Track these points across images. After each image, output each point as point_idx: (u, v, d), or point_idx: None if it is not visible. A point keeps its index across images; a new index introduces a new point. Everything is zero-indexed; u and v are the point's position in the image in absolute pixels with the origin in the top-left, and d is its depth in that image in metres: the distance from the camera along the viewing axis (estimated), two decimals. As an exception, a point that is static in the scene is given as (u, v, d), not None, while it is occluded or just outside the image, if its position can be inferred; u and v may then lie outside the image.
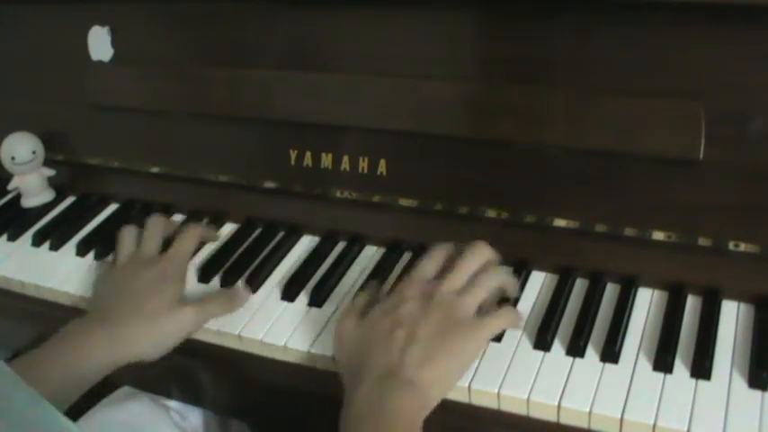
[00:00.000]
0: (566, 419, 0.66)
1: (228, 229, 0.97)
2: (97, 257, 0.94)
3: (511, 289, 0.75)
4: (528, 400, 0.67)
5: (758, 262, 0.72)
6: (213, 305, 0.80)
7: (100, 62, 1.01)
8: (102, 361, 0.74)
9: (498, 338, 0.73)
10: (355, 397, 0.64)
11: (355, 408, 0.64)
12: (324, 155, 0.89)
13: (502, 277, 0.73)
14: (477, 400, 0.69)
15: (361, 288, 0.81)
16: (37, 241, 0.98)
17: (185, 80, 0.96)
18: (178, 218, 1.00)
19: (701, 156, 0.72)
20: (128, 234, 0.87)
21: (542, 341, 0.72)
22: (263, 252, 0.90)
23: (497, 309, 0.72)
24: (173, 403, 0.90)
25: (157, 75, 0.98)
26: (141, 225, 0.90)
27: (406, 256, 0.87)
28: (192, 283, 0.87)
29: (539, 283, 0.80)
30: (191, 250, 0.86)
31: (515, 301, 0.77)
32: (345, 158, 0.88)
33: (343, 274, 0.85)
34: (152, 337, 0.76)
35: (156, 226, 0.87)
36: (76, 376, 0.73)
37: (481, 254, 0.74)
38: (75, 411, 0.89)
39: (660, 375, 0.67)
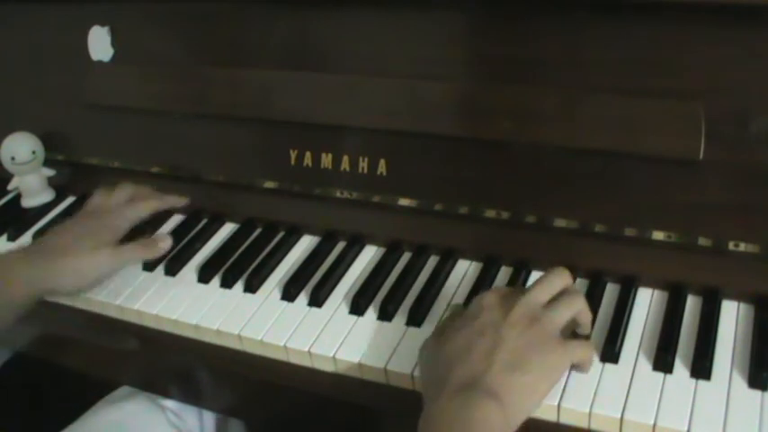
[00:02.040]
0: (566, 419, 0.66)
1: (228, 229, 0.97)
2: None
3: (585, 322, 0.69)
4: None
5: (758, 262, 0.72)
6: (129, 250, 0.85)
7: (100, 62, 1.01)
8: (26, 291, 0.80)
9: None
10: (436, 408, 0.60)
11: (436, 419, 0.60)
12: (324, 155, 0.89)
13: (584, 305, 0.68)
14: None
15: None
16: (37, 241, 0.98)
17: (185, 80, 0.96)
18: (178, 218, 1.00)
19: (701, 156, 0.72)
20: (97, 194, 0.91)
21: (542, 341, 0.72)
22: (263, 252, 0.90)
23: (578, 338, 0.68)
24: (170, 403, 0.90)
25: (157, 75, 0.98)
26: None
27: (407, 257, 0.87)
28: (192, 283, 0.87)
29: (539, 283, 0.80)
30: (141, 213, 0.89)
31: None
32: (345, 158, 0.88)
33: (343, 274, 0.85)
34: (72, 272, 0.81)
35: (124, 189, 0.90)
36: (4, 304, 0.79)
37: (563, 277, 0.69)
38: (75, 411, 0.89)
39: (660, 375, 0.67)
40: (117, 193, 0.90)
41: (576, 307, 0.68)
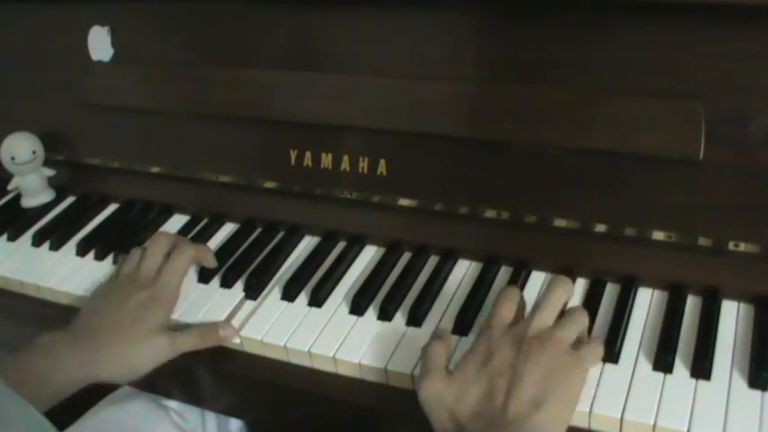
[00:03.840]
0: (566, 419, 0.66)
1: (228, 229, 0.97)
2: (97, 257, 0.94)
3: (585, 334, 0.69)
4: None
5: (758, 262, 0.72)
6: (188, 338, 0.78)
7: (100, 62, 1.01)
8: (72, 378, 0.74)
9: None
10: None
11: None
12: (324, 155, 0.89)
13: (587, 319, 0.69)
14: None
15: (428, 344, 0.70)
16: (37, 241, 0.98)
17: (185, 80, 0.96)
18: (178, 218, 1.00)
19: (701, 156, 0.72)
20: (133, 254, 0.85)
21: (542, 341, 0.72)
22: (263, 252, 0.90)
23: (587, 339, 0.68)
24: (172, 403, 0.90)
25: (157, 75, 0.98)
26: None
27: (407, 257, 0.87)
28: (192, 283, 0.87)
29: (539, 284, 0.80)
30: (184, 272, 0.83)
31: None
32: (345, 158, 0.88)
33: (343, 274, 0.85)
34: (124, 362, 0.76)
35: (159, 245, 0.84)
36: (50, 391, 0.73)
37: (565, 289, 0.69)
38: (75, 411, 0.89)
39: (660, 375, 0.67)
40: (153, 250, 0.83)
41: (583, 323, 0.68)
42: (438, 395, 0.64)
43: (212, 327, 0.80)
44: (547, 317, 0.67)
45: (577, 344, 0.67)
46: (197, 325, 0.81)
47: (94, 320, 0.78)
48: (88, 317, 0.79)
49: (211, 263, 0.87)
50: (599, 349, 0.68)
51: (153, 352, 0.76)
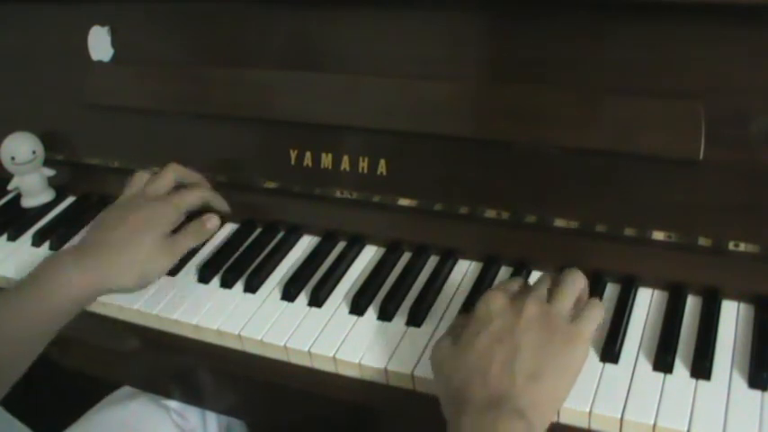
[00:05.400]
0: (566, 419, 0.66)
1: (228, 229, 0.97)
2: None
3: (585, 296, 0.69)
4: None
5: (758, 262, 0.72)
6: (187, 238, 0.82)
7: (100, 62, 1.01)
8: (83, 291, 0.76)
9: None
10: (460, 428, 0.59)
11: None
12: (324, 155, 0.89)
13: (584, 279, 0.68)
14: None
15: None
16: (37, 241, 0.98)
17: (185, 80, 0.96)
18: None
19: (701, 156, 0.72)
20: (139, 175, 0.87)
21: (542, 341, 0.72)
22: (263, 252, 0.90)
23: (588, 307, 0.67)
24: (173, 403, 0.90)
25: (157, 75, 0.98)
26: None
27: (407, 257, 0.87)
28: (192, 284, 0.87)
29: (539, 283, 0.80)
30: (193, 204, 0.85)
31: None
32: (345, 158, 0.88)
33: (343, 274, 0.85)
34: (134, 269, 0.78)
35: (172, 170, 0.87)
36: (56, 306, 0.75)
37: (576, 278, 0.68)
38: (76, 411, 0.89)
39: (660, 375, 0.67)
40: (164, 175, 0.86)
41: (579, 285, 0.68)
42: (439, 359, 0.65)
43: (200, 222, 0.84)
44: (542, 289, 0.67)
45: (576, 311, 0.66)
46: (187, 226, 0.84)
47: (100, 234, 0.80)
48: (94, 232, 0.82)
49: (224, 207, 0.89)
50: (597, 313, 0.66)
51: (158, 257, 0.79)
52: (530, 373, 0.60)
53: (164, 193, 0.84)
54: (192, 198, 0.85)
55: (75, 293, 0.75)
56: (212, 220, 0.85)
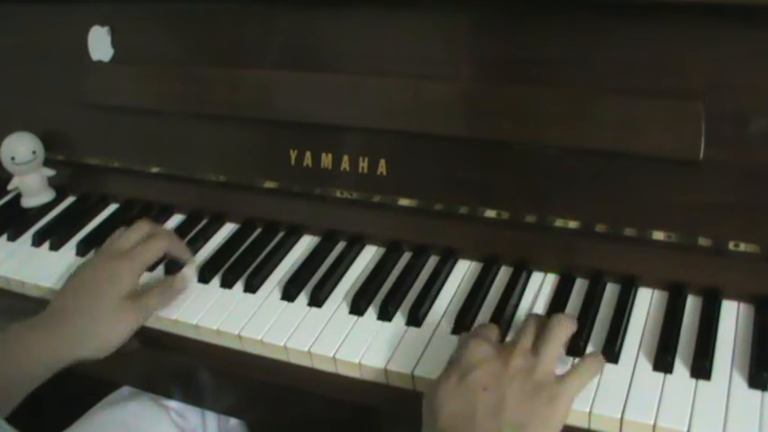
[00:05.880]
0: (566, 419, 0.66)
1: (228, 229, 0.97)
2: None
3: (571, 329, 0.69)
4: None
5: (758, 262, 0.72)
6: (152, 299, 0.80)
7: (100, 62, 1.01)
8: (47, 360, 0.74)
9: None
10: None
11: None
12: (324, 155, 0.89)
13: (572, 327, 0.69)
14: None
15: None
16: (37, 241, 0.98)
17: (185, 80, 0.96)
18: (178, 218, 1.00)
19: (701, 156, 0.72)
20: (117, 231, 0.87)
21: (542, 341, 0.72)
22: (263, 252, 0.90)
23: (579, 361, 0.67)
24: (172, 403, 0.90)
25: (157, 75, 0.98)
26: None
27: (407, 257, 0.87)
28: (192, 284, 0.87)
29: (539, 284, 0.80)
30: (154, 254, 0.84)
31: (514, 307, 0.77)
32: (345, 158, 0.88)
33: (343, 274, 0.85)
34: (96, 338, 0.76)
35: (137, 230, 0.85)
36: (23, 375, 0.73)
37: (566, 326, 0.68)
38: (76, 411, 0.89)
39: (660, 375, 0.67)
40: (130, 234, 0.85)
41: (565, 334, 0.68)
42: (430, 398, 0.64)
43: (167, 283, 0.83)
44: (528, 339, 0.66)
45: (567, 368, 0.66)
46: (155, 286, 0.82)
47: (60, 302, 0.79)
48: (57, 299, 0.80)
49: (184, 255, 0.87)
50: (590, 371, 0.66)
51: (123, 322, 0.77)
52: (516, 424, 0.60)
53: (128, 248, 0.83)
54: (152, 250, 0.83)
55: (38, 368, 0.74)
56: (181, 281, 0.83)
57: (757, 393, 0.65)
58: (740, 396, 0.64)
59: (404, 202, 0.87)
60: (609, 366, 0.69)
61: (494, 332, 0.70)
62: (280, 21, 0.89)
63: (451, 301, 0.80)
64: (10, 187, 1.05)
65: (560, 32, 0.77)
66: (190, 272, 0.85)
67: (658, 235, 0.76)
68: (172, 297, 0.82)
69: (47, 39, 1.04)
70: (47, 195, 1.06)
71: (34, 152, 1.01)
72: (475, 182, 0.83)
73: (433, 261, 0.85)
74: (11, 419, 0.72)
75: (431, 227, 0.86)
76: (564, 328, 0.67)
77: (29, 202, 1.05)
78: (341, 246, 0.90)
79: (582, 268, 0.80)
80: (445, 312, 0.78)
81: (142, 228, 0.86)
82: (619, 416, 0.64)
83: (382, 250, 0.88)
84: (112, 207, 1.05)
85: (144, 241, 0.84)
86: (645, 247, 0.76)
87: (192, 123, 0.97)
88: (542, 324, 0.68)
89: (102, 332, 0.76)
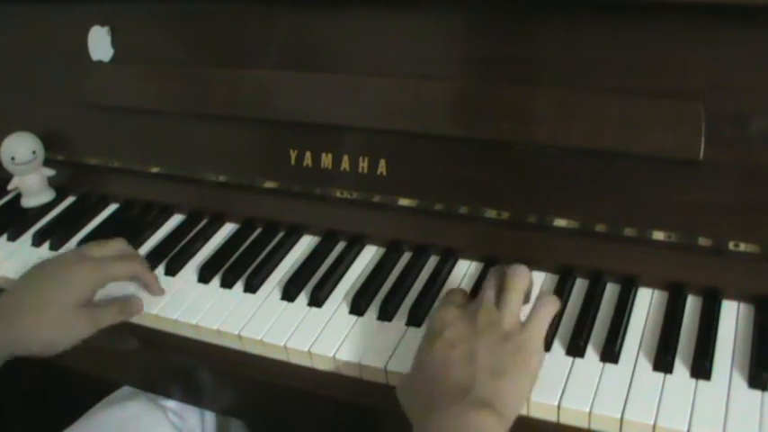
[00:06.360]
0: (566, 419, 0.66)
1: (228, 229, 0.97)
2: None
3: (528, 289, 0.70)
4: (528, 400, 0.67)
5: (758, 262, 0.72)
6: (106, 314, 0.80)
7: (100, 62, 1.01)
8: None
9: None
10: (432, 426, 0.60)
11: None
12: (324, 155, 0.89)
13: (529, 276, 0.70)
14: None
15: None
16: (37, 241, 0.98)
17: (185, 80, 0.96)
18: (178, 218, 1.00)
19: (701, 156, 0.72)
20: (93, 242, 0.86)
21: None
22: (263, 252, 0.90)
23: (536, 307, 0.67)
24: (171, 403, 0.90)
25: (157, 75, 0.98)
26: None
27: (407, 257, 0.87)
28: (192, 283, 0.87)
29: (539, 283, 0.80)
30: (119, 274, 0.83)
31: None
32: (345, 158, 0.88)
33: (343, 274, 0.85)
34: (40, 337, 0.76)
35: (114, 243, 0.85)
36: None
37: (522, 276, 0.69)
38: (75, 411, 0.89)
39: (660, 375, 0.67)
40: (104, 245, 0.84)
41: (524, 285, 0.69)
42: (403, 386, 0.66)
43: (127, 301, 0.82)
44: (489, 294, 0.68)
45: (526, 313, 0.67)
46: (115, 300, 0.82)
47: (15, 295, 0.79)
48: (12, 290, 0.80)
49: (153, 287, 0.85)
50: (547, 311, 0.67)
51: (72, 327, 0.77)
52: (491, 370, 0.61)
53: (98, 257, 0.82)
54: (121, 269, 0.82)
55: None
56: (138, 304, 0.82)
57: (757, 393, 0.65)
58: (740, 396, 0.64)
59: (404, 202, 0.87)
60: (609, 366, 0.69)
61: (459, 295, 0.71)
62: (280, 21, 0.89)
63: (451, 301, 0.80)
64: (10, 187, 1.05)
65: (560, 32, 0.77)
66: (143, 301, 0.83)
67: (658, 235, 0.76)
68: (126, 315, 0.82)
69: (47, 39, 1.04)
70: (47, 195, 1.06)
71: (34, 152, 1.01)
72: (475, 182, 0.83)
73: (433, 261, 0.85)
74: (9, 419, 0.72)
75: (431, 227, 0.86)
76: (522, 276, 0.69)
77: (29, 202, 1.05)
78: (341, 246, 0.90)
79: (582, 268, 0.80)
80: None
81: (121, 245, 0.86)
82: (619, 416, 0.64)
83: (382, 250, 0.88)
84: (112, 207, 1.05)
85: (117, 258, 0.83)
86: (645, 247, 0.76)
87: (192, 123, 0.97)
88: (502, 275, 0.69)
89: (48, 336, 0.76)
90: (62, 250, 0.96)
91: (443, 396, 0.61)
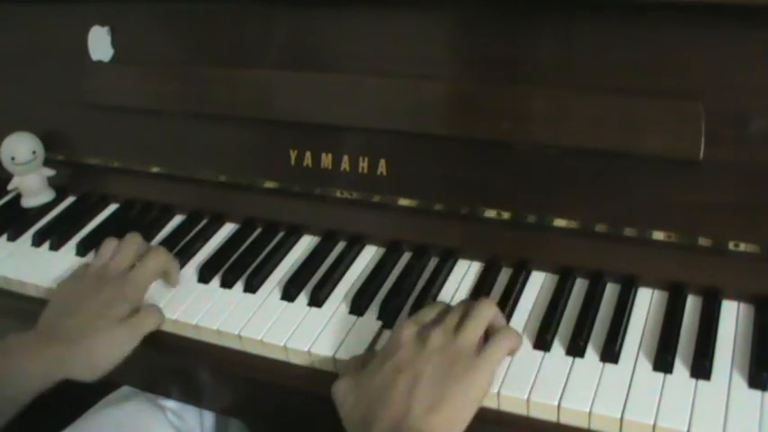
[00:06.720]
0: (566, 419, 0.66)
1: (228, 229, 0.97)
2: (97, 257, 0.94)
3: (501, 323, 0.70)
4: (528, 399, 0.67)
5: (758, 262, 0.72)
6: (145, 324, 0.80)
7: (100, 62, 1.01)
8: (38, 378, 0.75)
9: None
10: None
11: None
12: (324, 155, 0.89)
13: (494, 309, 0.70)
14: (477, 400, 0.69)
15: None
16: (37, 241, 0.98)
17: (185, 80, 0.96)
18: (178, 218, 1.00)
19: (701, 156, 0.72)
20: (107, 245, 0.86)
21: (542, 341, 0.72)
22: (263, 252, 0.90)
23: (496, 336, 0.68)
24: (170, 403, 0.90)
25: (157, 75, 0.98)
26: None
27: (407, 257, 0.87)
28: (192, 284, 0.87)
29: (539, 283, 0.80)
30: (154, 274, 0.84)
31: (513, 306, 0.77)
32: (345, 158, 0.88)
33: (343, 274, 0.85)
34: (88, 360, 0.76)
35: (132, 243, 0.86)
36: (13, 393, 0.74)
37: (481, 302, 0.70)
38: (75, 411, 0.89)
39: (660, 375, 0.67)
40: (126, 248, 0.85)
41: (488, 314, 0.69)
42: (342, 393, 0.67)
43: (153, 304, 0.83)
44: (451, 320, 0.68)
45: (488, 336, 0.68)
46: (148, 307, 0.82)
47: (58, 319, 0.79)
48: (53, 315, 0.80)
49: (175, 280, 0.86)
50: (506, 343, 0.67)
51: (117, 346, 0.77)
52: (427, 404, 0.62)
53: (126, 267, 0.83)
54: (151, 269, 0.83)
55: (30, 385, 0.74)
56: (157, 307, 0.83)
57: (757, 393, 0.65)
58: (740, 396, 0.64)
59: (404, 202, 0.87)
60: (609, 366, 0.69)
61: (430, 313, 0.71)
62: (280, 21, 0.90)
63: (452, 301, 0.80)
64: (10, 187, 1.05)
65: (560, 32, 0.77)
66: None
67: (658, 235, 0.76)
68: (162, 320, 0.82)
69: (47, 39, 1.04)
70: (47, 195, 1.06)
71: (34, 152, 1.01)
72: (475, 182, 0.83)
73: (433, 261, 0.85)
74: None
75: (431, 227, 0.86)
76: (489, 306, 0.69)
77: (29, 202, 1.05)
78: (341, 246, 0.90)
79: (582, 268, 0.80)
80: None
81: (135, 240, 0.86)
82: (619, 416, 0.64)
83: (382, 250, 0.88)
84: (112, 207, 1.05)
85: (141, 260, 0.84)
86: (645, 247, 0.76)
87: (191, 123, 0.97)
88: (470, 305, 0.70)
89: (95, 358, 0.76)
90: (63, 250, 0.96)
91: (379, 420, 0.62)
